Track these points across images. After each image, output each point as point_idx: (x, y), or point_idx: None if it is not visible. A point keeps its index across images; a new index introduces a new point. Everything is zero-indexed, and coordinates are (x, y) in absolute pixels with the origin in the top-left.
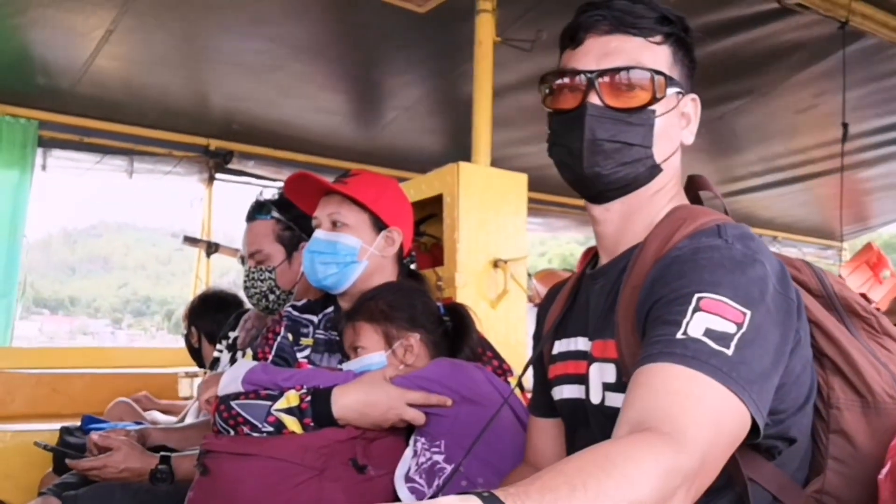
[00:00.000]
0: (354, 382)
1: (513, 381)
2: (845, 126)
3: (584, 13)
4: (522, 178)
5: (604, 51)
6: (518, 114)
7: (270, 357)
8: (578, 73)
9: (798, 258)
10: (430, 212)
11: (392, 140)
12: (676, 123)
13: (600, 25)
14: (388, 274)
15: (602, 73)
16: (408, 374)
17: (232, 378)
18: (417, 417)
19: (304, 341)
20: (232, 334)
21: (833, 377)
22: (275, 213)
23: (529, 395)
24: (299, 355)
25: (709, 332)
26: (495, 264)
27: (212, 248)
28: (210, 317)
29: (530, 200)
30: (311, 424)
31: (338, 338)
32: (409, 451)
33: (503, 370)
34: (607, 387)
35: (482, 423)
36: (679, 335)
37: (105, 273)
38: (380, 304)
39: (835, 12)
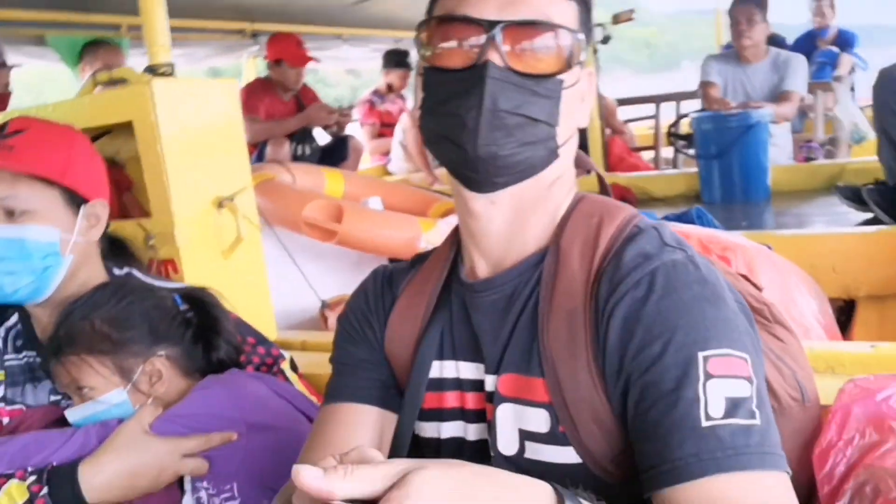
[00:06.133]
0: (106, 449)
1: (285, 365)
2: None
3: None
4: (234, 86)
5: None
6: None
7: None
8: (475, 22)
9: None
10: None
11: None
12: (578, 100)
13: None
14: (96, 263)
15: (508, 24)
16: (167, 411)
17: None
18: (200, 467)
19: None
20: None
21: None
22: None
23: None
24: None
25: (730, 408)
26: (219, 204)
27: None
28: None
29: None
30: None
31: (37, 358)
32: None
33: (273, 357)
34: (530, 436)
35: (279, 448)
36: (704, 423)
37: None
38: (100, 327)
39: None
